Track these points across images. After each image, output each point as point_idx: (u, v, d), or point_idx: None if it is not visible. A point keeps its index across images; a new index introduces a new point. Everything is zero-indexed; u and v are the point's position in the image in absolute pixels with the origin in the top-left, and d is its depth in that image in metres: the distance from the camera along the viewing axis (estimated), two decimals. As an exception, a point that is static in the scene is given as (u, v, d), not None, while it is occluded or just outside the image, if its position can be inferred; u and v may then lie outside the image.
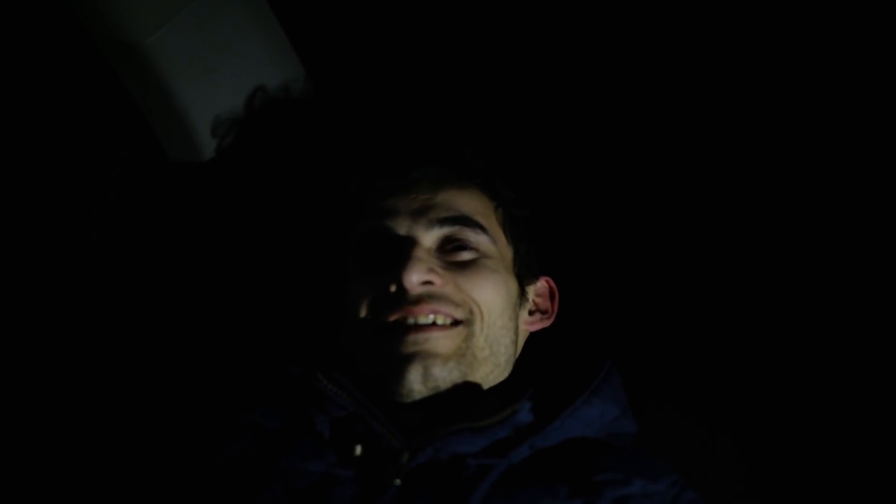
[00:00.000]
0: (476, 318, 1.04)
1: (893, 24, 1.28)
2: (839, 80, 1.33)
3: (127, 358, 1.25)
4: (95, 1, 1.22)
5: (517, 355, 1.14)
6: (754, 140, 1.37)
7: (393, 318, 1.02)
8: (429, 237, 1.07)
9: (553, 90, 1.45)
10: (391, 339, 1.01)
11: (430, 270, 1.03)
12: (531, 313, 1.17)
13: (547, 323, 1.18)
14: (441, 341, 1.01)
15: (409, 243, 1.05)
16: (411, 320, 1.01)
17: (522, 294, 1.14)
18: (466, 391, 1.04)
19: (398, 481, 0.91)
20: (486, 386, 1.07)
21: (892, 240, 1.27)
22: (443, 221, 1.07)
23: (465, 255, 1.07)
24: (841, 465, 1.22)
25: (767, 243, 1.34)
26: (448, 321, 1.03)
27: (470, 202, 1.11)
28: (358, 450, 0.94)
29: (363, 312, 1.05)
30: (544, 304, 1.19)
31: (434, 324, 1.02)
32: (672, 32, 1.40)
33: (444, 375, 1.00)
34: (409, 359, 1.00)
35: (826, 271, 1.30)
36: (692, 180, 1.38)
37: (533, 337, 1.19)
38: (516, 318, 1.12)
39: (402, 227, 1.07)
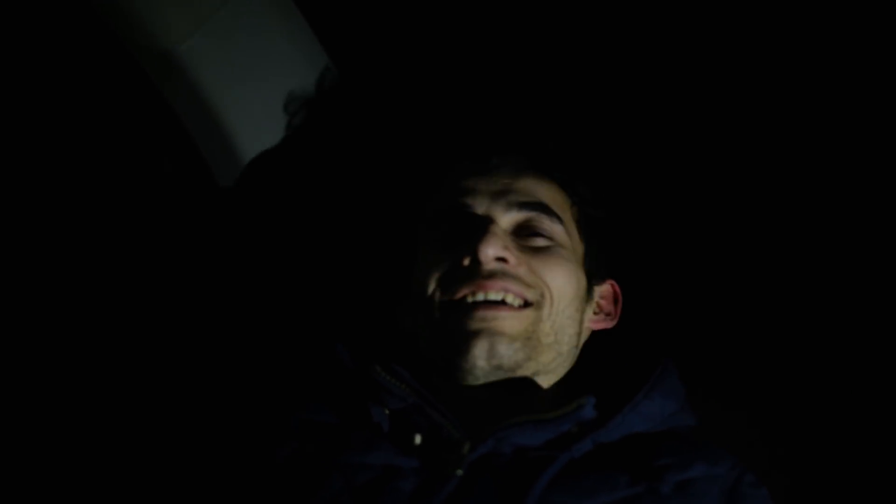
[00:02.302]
0: (546, 302, 1.04)
1: (894, 24, 1.27)
2: (843, 80, 1.32)
3: (180, 356, 1.25)
4: (128, 10, 1.24)
5: (579, 351, 1.14)
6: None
7: (463, 292, 1.02)
8: (506, 218, 1.07)
9: (640, 93, 1.44)
10: (459, 315, 1.01)
11: (506, 248, 1.03)
12: (595, 313, 1.17)
13: (609, 324, 1.18)
14: (509, 321, 1.01)
15: (487, 220, 1.05)
16: (481, 296, 1.01)
17: (590, 291, 1.14)
18: (527, 382, 1.05)
19: (460, 471, 0.90)
20: (546, 376, 1.07)
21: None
22: (521, 205, 1.08)
23: (540, 242, 1.08)
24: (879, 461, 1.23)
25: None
26: (518, 302, 1.03)
27: (548, 193, 1.12)
28: (418, 439, 0.94)
29: (432, 287, 1.05)
30: (608, 306, 1.19)
31: (503, 302, 1.02)
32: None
33: (510, 354, 1.00)
34: (475, 334, 1.00)
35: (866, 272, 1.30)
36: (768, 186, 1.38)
37: (591, 336, 1.19)
38: (582, 311, 1.12)
39: (480, 206, 1.07)
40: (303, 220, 1.35)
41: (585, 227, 1.15)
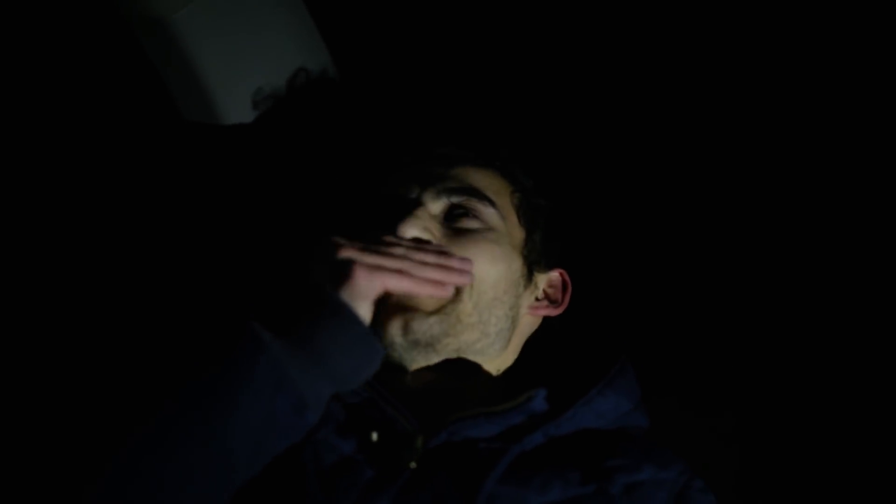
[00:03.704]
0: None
1: (894, 24, 1.27)
2: (841, 80, 1.32)
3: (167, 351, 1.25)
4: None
5: (518, 336, 1.16)
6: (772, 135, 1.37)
7: None
8: (436, 204, 1.10)
9: (581, 87, 1.45)
10: None
11: (426, 229, 1.05)
12: (538, 299, 1.19)
13: (553, 312, 1.18)
14: (423, 297, 1.03)
15: (413, 204, 1.08)
16: None
17: (529, 278, 1.16)
18: (469, 368, 1.08)
19: (413, 464, 0.93)
20: (481, 357, 1.10)
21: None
22: (451, 191, 1.10)
23: (470, 224, 1.10)
24: (837, 462, 1.24)
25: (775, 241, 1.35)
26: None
27: (484, 180, 1.14)
28: (374, 436, 0.96)
29: None
30: (556, 294, 1.20)
31: None
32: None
33: (424, 329, 1.03)
34: (391, 310, 1.03)
35: (830, 269, 1.31)
36: (707, 177, 1.39)
37: (547, 329, 1.20)
38: (517, 296, 1.13)
39: (412, 193, 1.10)
40: (272, 203, 1.37)
41: (527, 215, 1.17)
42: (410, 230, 1.04)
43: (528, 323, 1.18)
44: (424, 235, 1.05)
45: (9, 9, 1.35)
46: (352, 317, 0.88)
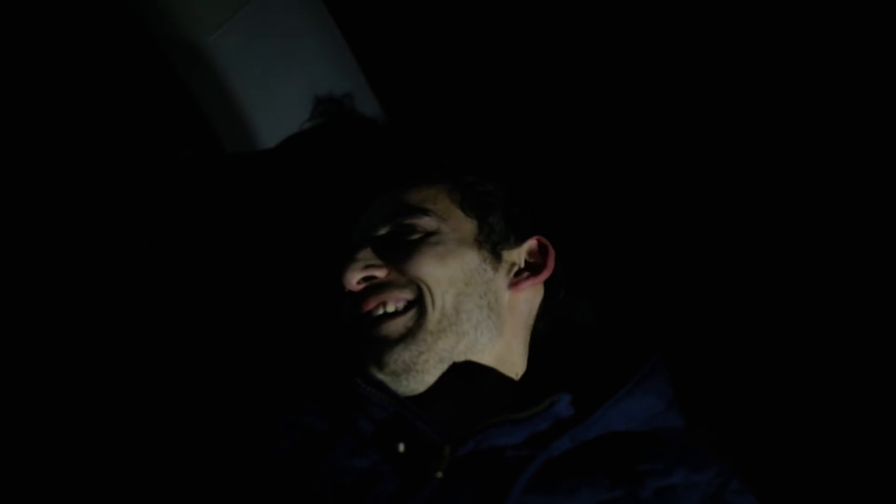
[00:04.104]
0: (425, 293, 1.07)
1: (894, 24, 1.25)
2: (842, 80, 1.30)
3: (176, 359, 1.28)
4: (158, 3, 1.27)
5: (515, 318, 1.15)
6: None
7: (354, 316, 1.10)
8: (375, 237, 1.13)
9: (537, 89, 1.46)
10: (356, 335, 1.09)
11: (367, 267, 1.09)
12: (517, 274, 1.17)
13: (539, 278, 1.17)
14: (389, 328, 1.06)
15: (351, 248, 1.12)
16: (367, 316, 1.08)
17: (497, 259, 1.15)
18: (475, 369, 1.08)
19: (440, 474, 0.93)
20: (480, 355, 1.09)
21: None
22: (384, 219, 1.14)
23: (410, 237, 1.12)
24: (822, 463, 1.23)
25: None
26: (401, 305, 1.08)
27: (417, 194, 1.17)
28: (401, 447, 0.97)
29: (344, 314, 1.13)
30: (537, 260, 1.19)
31: (385, 314, 1.08)
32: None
33: (395, 357, 1.05)
34: (365, 350, 1.07)
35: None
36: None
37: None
38: (484, 283, 1.12)
39: (355, 236, 1.16)
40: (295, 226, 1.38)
41: (473, 204, 1.17)
42: (355, 276, 1.09)
43: (523, 300, 1.16)
44: (367, 273, 1.09)
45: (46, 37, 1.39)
46: None
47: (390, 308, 1.08)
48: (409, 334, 1.06)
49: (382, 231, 1.14)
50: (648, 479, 0.95)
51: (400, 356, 1.05)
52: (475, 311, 1.10)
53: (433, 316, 1.07)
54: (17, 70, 1.40)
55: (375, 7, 1.49)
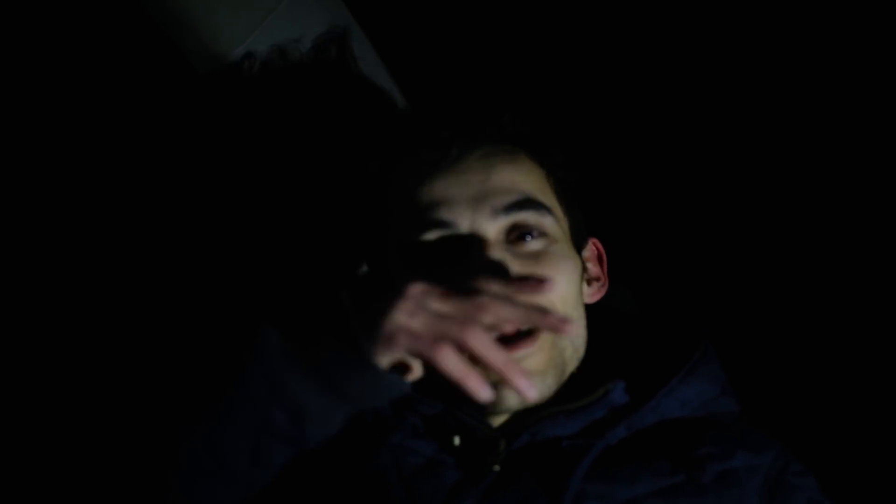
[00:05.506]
0: None
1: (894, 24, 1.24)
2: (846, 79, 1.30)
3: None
4: (182, 15, 1.27)
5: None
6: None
7: None
8: (494, 228, 0.95)
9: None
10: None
11: (501, 267, 0.92)
12: (589, 284, 1.08)
13: (602, 292, 1.09)
14: (534, 358, 0.93)
15: (476, 242, 0.93)
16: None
17: (584, 267, 1.06)
18: None
19: (497, 467, 0.92)
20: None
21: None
22: (507, 209, 0.95)
23: (534, 245, 0.96)
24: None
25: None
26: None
27: (528, 178, 0.99)
28: (457, 440, 0.95)
29: None
30: (595, 270, 1.10)
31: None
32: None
33: (543, 392, 0.94)
34: (501, 385, 0.90)
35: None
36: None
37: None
38: (583, 295, 1.04)
39: (463, 221, 0.94)
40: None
41: (564, 196, 1.04)
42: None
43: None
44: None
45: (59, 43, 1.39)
46: (372, 366, 0.78)
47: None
48: (554, 365, 0.96)
49: (501, 220, 0.95)
50: (709, 463, 0.94)
51: (549, 389, 0.96)
52: (582, 327, 1.01)
53: (563, 342, 0.97)
54: (42, 84, 1.40)
55: (398, 14, 1.49)
